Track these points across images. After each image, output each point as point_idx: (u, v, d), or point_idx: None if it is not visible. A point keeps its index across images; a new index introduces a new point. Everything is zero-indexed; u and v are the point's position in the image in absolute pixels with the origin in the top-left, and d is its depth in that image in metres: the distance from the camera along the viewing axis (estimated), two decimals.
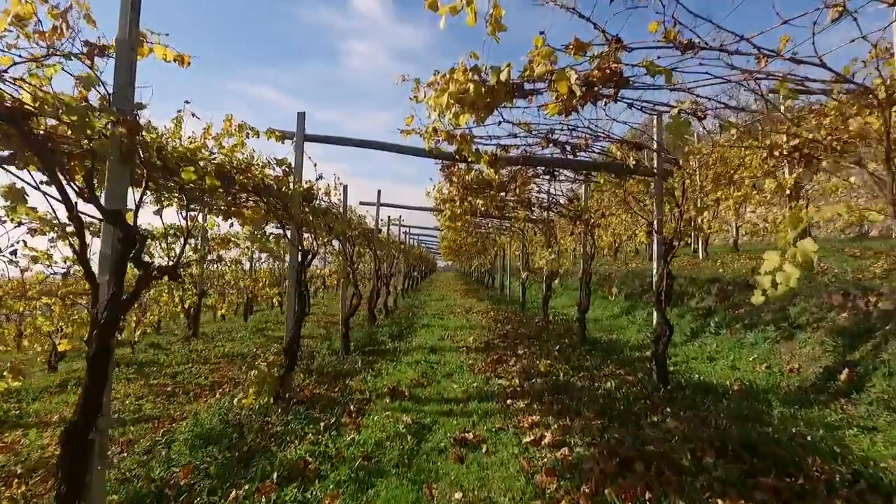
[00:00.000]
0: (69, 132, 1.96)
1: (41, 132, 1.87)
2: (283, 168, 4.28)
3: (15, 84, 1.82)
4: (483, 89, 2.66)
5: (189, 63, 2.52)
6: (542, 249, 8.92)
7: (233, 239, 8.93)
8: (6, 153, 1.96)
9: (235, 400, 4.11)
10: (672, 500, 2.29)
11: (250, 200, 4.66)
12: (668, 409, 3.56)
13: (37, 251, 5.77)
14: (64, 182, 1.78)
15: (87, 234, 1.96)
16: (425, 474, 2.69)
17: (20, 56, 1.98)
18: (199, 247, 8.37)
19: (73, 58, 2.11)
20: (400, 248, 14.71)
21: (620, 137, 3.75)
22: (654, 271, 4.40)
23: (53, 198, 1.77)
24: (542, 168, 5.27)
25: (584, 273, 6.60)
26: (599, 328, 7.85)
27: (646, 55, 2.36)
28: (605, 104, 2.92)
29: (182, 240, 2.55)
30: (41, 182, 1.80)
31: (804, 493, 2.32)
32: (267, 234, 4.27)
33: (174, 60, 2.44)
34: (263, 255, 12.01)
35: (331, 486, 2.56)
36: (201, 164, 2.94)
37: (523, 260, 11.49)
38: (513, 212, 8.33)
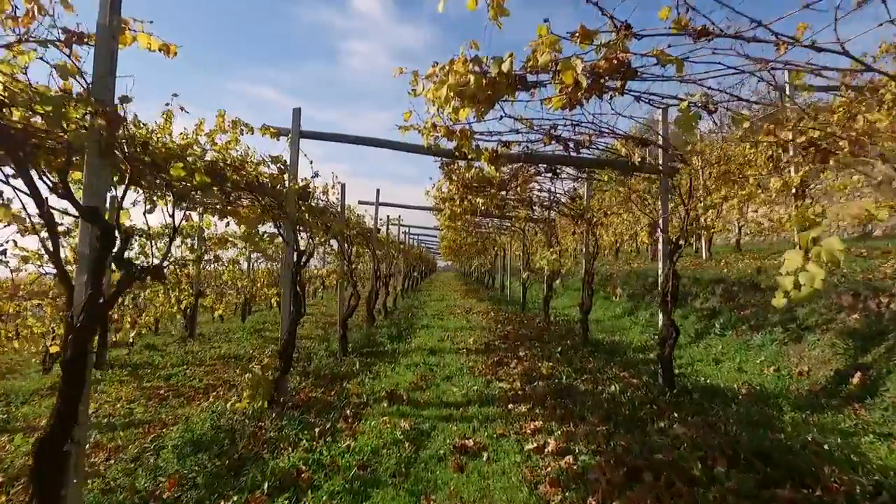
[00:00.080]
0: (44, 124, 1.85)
1: (11, 123, 1.75)
2: (277, 166, 4.16)
3: None
4: (484, 81, 2.54)
5: (176, 53, 2.40)
6: (544, 249, 8.80)
7: (230, 239, 8.82)
8: None
9: (229, 404, 3.99)
10: None
11: (245, 199, 4.55)
12: (676, 415, 3.45)
13: (27, 251, 5.66)
14: (35, 176, 1.66)
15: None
16: (423, 484, 2.57)
17: None
18: (195, 246, 8.26)
19: (49, 45, 1.99)
20: (399, 248, 14.60)
21: (625, 133, 3.63)
22: (660, 271, 4.28)
23: (24, 192, 1.66)
24: (544, 166, 5.15)
25: (586, 273, 6.48)
26: (602, 329, 7.73)
27: (655, 44, 2.24)
28: (611, 98, 2.80)
29: (168, 239, 2.42)
30: (9, 176, 1.68)
31: None
32: (261, 233, 4.15)
33: (159, 50, 2.33)
34: (271, 254, 11.91)
35: (324, 498, 2.44)
36: (190, 159, 2.83)
37: (524, 260, 11.37)
38: (513, 211, 8.21)
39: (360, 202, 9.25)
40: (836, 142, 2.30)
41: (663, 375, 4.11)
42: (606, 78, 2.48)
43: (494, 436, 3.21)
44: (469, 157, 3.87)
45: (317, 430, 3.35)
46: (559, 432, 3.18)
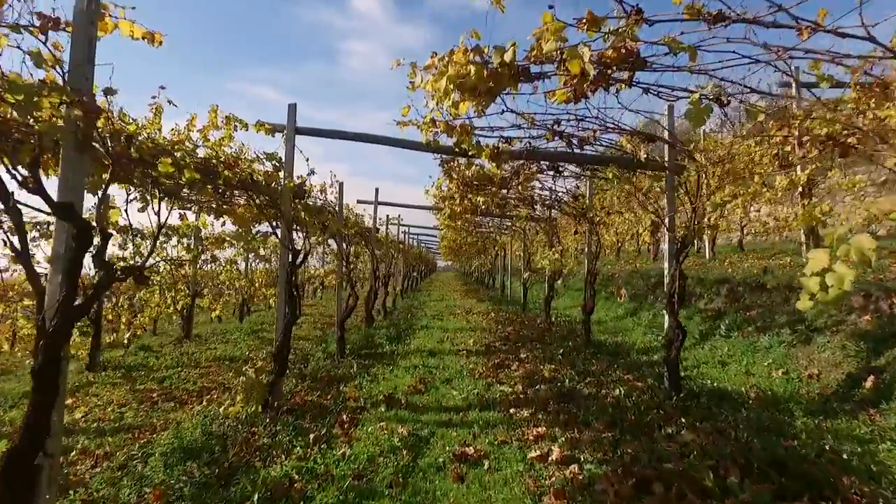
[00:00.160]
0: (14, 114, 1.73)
1: None
2: (272, 163, 4.04)
3: None
4: (485, 72, 2.42)
5: (161, 42, 2.28)
6: (545, 249, 8.68)
7: (228, 238, 8.70)
8: None
9: (222, 409, 3.87)
10: None
11: (241, 198, 4.42)
12: (683, 420, 3.32)
13: None
14: (2, 170, 1.54)
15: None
16: (422, 496, 2.45)
17: None
18: (191, 246, 8.14)
19: (23, 31, 1.87)
20: (399, 248, 14.48)
21: (631, 128, 3.51)
22: (666, 272, 4.16)
23: None
24: (546, 163, 5.03)
25: (588, 273, 6.36)
26: (604, 330, 7.61)
27: (666, 31, 2.13)
28: (617, 91, 2.68)
29: (153, 239, 2.30)
30: None
31: None
32: (254, 232, 4.04)
33: (143, 38, 2.20)
34: (263, 254, 11.79)
35: None
36: (178, 154, 2.71)
37: (525, 260, 11.25)
38: (514, 210, 8.09)
39: (358, 201, 9.12)
40: (855, 136, 2.18)
41: (669, 379, 3.99)
42: (614, 68, 2.37)
43: (496, 443, 3.09)
44: (469, 153, 3.75)
45: (311, 436, 3.23)
46: (563, 439, 3.06)
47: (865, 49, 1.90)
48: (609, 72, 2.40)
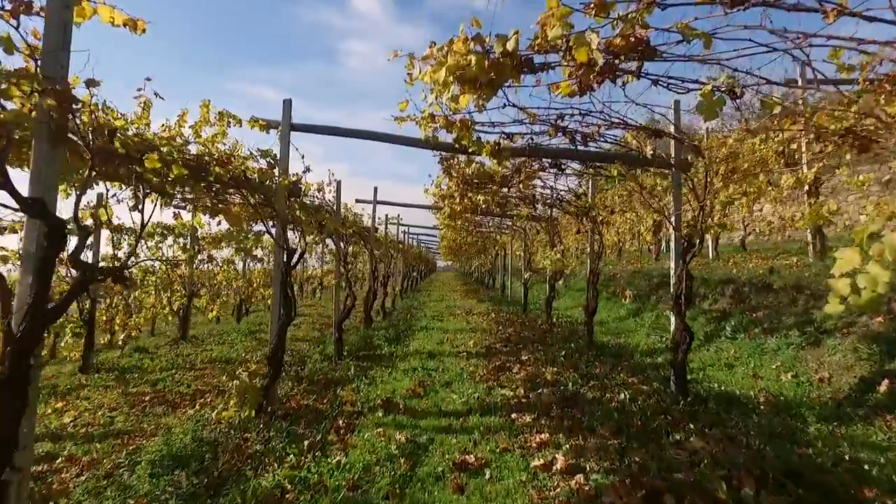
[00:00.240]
0: None
1: None
2: (267, 160, 3.92)
3: None
4: (486, 62, 2.30)
5: (144, 30, 2.16)
6: (545, 249, 8.56)
7: (221, 237, 8.58)
8: None
9: (215, 413, 3.75)
10: None
11: (236, 196, 4.31)
12: (692, 426, 3.20)
13: (7, 250, 5.42)
14: None
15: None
16: None
17: None
18: (188, 246, 8.02)
19: None
20: (398, 248, 14.36)
21: (638, 124, 3.39)
22: (672, 272, 4.04)
23: None
24: (548, 161, 4.91)
25: (591, 273, 6.24)
26: (606, 331, 7.49)
27: (679, 17, 2.01)
28: (624, 83, 2.56)
29: (134, 237, 2.18)
30: None
31: None
32: (249, 232, 3.92)
33: (124, 25, 2.08)
34: (257, 254, 11.67)
35: None
36: (165, 149, 2.59)
37: (525, 259, 11.13)
38: (515, 209, 7.97)
39: (357, 200, 8.99)
40: (877, 130, 2.06)
41: (676, 382, 3.87)
42: (622, 58, 2.25)
43: (497, 450, 2.97)
44: (470, 150, 3.62)
45: (306, 442, 3.10)
46: (567, 446, 2.93)
47: (892, 35, 1.78)
48: (617, 62, 2.29)
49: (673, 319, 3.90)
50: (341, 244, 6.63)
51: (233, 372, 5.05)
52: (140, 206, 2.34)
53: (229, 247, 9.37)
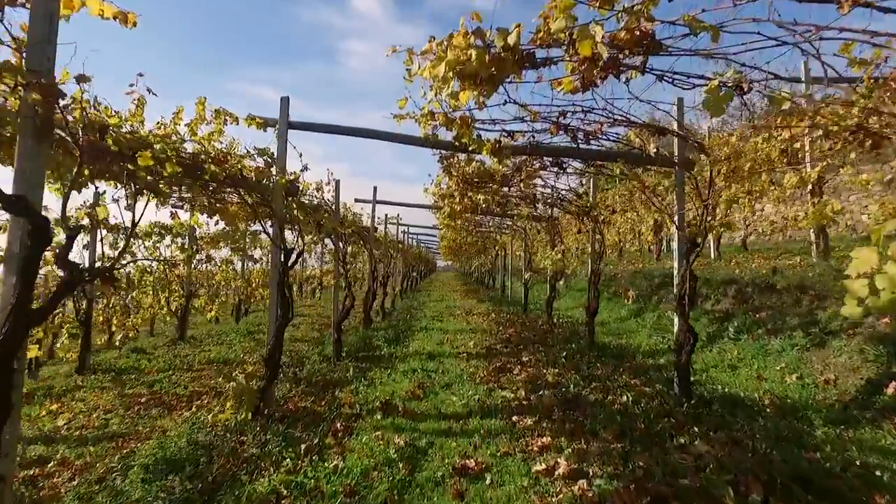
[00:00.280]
0: None
1: None
2: (264, 158, 3.87)
3: None
4: (487, 57, 2.24)
5: (135, 23, 2.10)
6: (546, 249, 8.50)
7: (217, 237, 8.51)
8: None
9: (211, 415, 3.69)
10: None
11: (233, 195, 4.25)
12: (696, 429, 3.14)
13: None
14: None
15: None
16: None
17: None
18: (185, 246, 7.96)
19: None
20: (398, 248, 14.30)
21: (641, 121, 3.33)
22: (675, 272, 3.98)
23: None
24: (550, 160, 4.85)
25: (592, 273, 6.18)
26: (607, 332, 7.43)
27: (685, 10, 1.95)
28: (628, 79, 2.50)
29: (127, 236, 2.12)
30: None
31: None
32: (246, 231, 3.86)
33: (114, 18, 2.02)
34: (256, 254, 11.61)
35: None
36: (158, 147, 2.53)
37: (526, 259, 11.07)
38: (515, 209, 7.91)
39: (356, 200, 8.92)
40: (891, 126, 2.00)
41: (679, 384, 3.81)
42: (626, 52, 2.19)
43: (498, 454, 2.91)
44: (470, 148, 3.56)
45: (303, 446, 3.04)
46: (570, 450, 2.87)
47: None
48: (621, 56, 2.23)
49: (676, 320, 3.84)
50: (340, 244, 6.57)
51: (230, 373, 5.00)
52: (132, 204, 2.27)
53: (227, 247, 9.32)
